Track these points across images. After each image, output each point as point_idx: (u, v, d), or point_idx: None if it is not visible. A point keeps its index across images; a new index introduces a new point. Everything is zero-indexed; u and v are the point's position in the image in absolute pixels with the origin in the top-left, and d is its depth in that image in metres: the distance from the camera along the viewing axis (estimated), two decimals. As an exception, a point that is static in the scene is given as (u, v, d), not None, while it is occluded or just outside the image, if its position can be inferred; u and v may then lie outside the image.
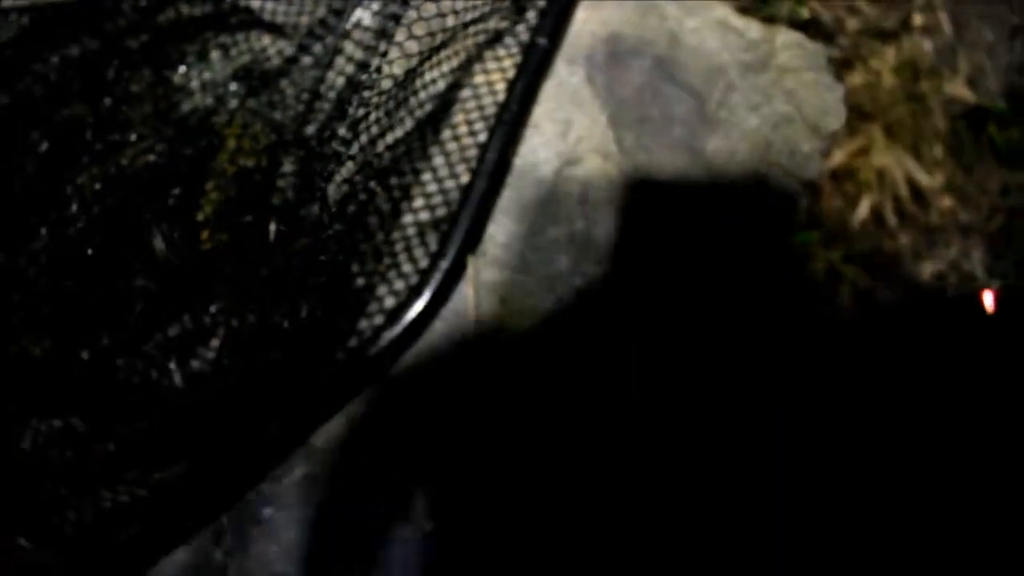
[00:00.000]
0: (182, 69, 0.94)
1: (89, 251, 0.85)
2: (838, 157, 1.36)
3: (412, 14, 0.87)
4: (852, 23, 1.22)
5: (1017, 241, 1.33)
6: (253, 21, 0.96)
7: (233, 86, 0.92)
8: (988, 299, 1.08)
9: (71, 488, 0.87)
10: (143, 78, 0.94)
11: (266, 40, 0.96)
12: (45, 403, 0.89)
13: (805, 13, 1.27)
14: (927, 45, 1.31)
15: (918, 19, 1.30)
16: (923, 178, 1.36)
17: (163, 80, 0.93)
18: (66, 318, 0.86)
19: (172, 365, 0.86)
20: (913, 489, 0.93)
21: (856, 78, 1.23)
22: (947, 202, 1.40)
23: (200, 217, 0.84)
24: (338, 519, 0.86)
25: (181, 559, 0.87)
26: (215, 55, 0.96)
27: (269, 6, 0.96)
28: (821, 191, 1.15)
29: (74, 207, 0.86)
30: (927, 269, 1.21)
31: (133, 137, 0.88)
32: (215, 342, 0.85)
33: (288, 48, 0.94)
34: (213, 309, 0.84)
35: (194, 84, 0.94)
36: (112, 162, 0.87)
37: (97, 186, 0.86)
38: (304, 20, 0.95)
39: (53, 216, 0.87)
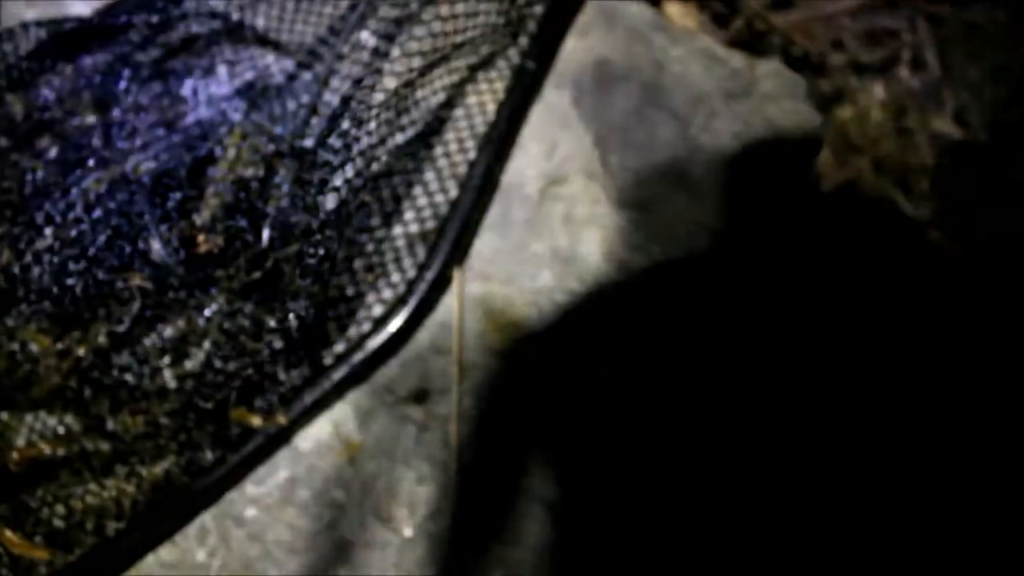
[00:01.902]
0: (189, 83, 0.98)
1: (91, 251, 0.88)
2: (826, 188, 1.40)
3: (407, 34, 0.92)
4: (837, 59, 1.26)
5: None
6: (259, 40, 1.01)
7: (236, 100, 0.96)
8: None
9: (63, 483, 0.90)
10: (151, 90, 0.98)
11: (270, 58, 1.01)
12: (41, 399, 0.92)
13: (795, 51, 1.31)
14: (915, 82, 1.35)
15: (906, 56, 1.34)
16: (910, 210, 1.39)
17: (170, 92, 0.98)
18: (67, 315, 0.89)
19: (165, 364, 0.89)
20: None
21: (845, 112, 1.27)
22: (935, 234, 1.43)
23: (198, 222, 0.87)
24: (319, 521, 0.89)
25: (165, 557, 0.89)
26: (221, 70, 1.01)
27: (274, 25, 1.01)
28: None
29: (79, 209, 0.90)
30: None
31: (138, 144, 0.92)
32: (207, 343, 0.88)
33: (290, 65, 0.98)
34: (207, 311, 0.87)
35: (200, 97, 0.99)
36: (117, 168, 0.92)
37: (102, 190, 0.91)
38: (307, 39, 1.00)
39: (58, 218, 0.91)
